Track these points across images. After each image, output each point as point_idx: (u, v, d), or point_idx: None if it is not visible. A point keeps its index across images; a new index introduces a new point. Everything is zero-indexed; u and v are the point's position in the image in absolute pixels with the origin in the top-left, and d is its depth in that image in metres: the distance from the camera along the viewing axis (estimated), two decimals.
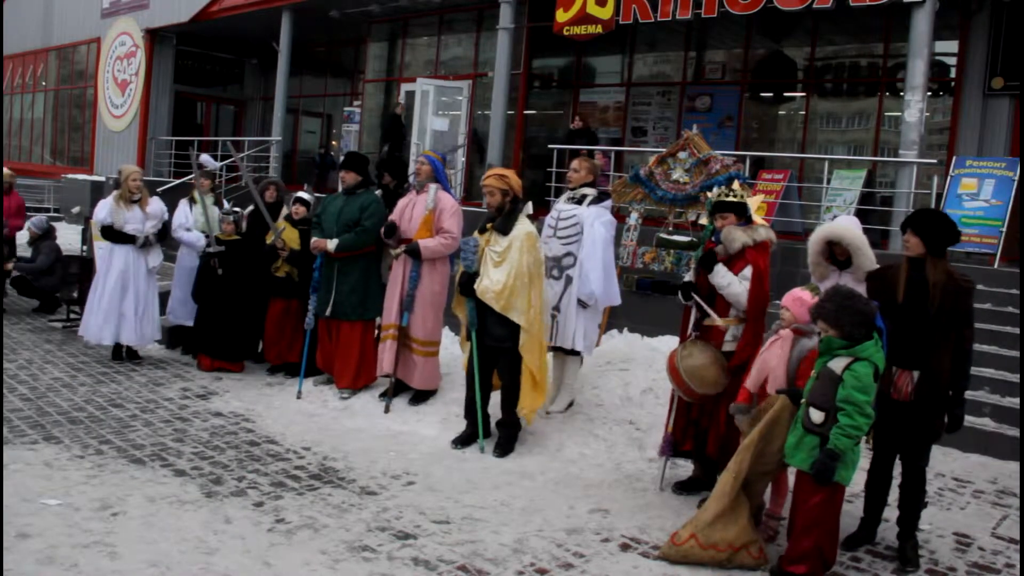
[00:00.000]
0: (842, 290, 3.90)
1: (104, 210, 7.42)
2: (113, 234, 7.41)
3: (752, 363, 4.45)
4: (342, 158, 7.19)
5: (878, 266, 4.40)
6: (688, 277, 4.99)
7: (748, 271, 4.67)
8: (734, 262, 4.73)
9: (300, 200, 7.43)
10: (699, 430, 4.96)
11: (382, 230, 6.48)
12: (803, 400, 3.91)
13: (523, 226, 5.59)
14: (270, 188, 8.12)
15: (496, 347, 5.59)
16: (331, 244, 6.54)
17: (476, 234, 5.67)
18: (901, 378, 4.13)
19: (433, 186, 6.38)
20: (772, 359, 4.27)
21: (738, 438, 4.48)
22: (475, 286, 5.49)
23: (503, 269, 5.46)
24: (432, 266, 6.41)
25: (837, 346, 3.80)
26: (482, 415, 5.70)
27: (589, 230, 5.98)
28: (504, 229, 5.53)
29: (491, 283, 5.44)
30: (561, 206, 6.25)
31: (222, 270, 7.32)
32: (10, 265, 9.58)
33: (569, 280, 6.03)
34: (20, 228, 10.09)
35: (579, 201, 6.15)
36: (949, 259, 4.27)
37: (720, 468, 4.77)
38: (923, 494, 4.32)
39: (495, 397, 5.81)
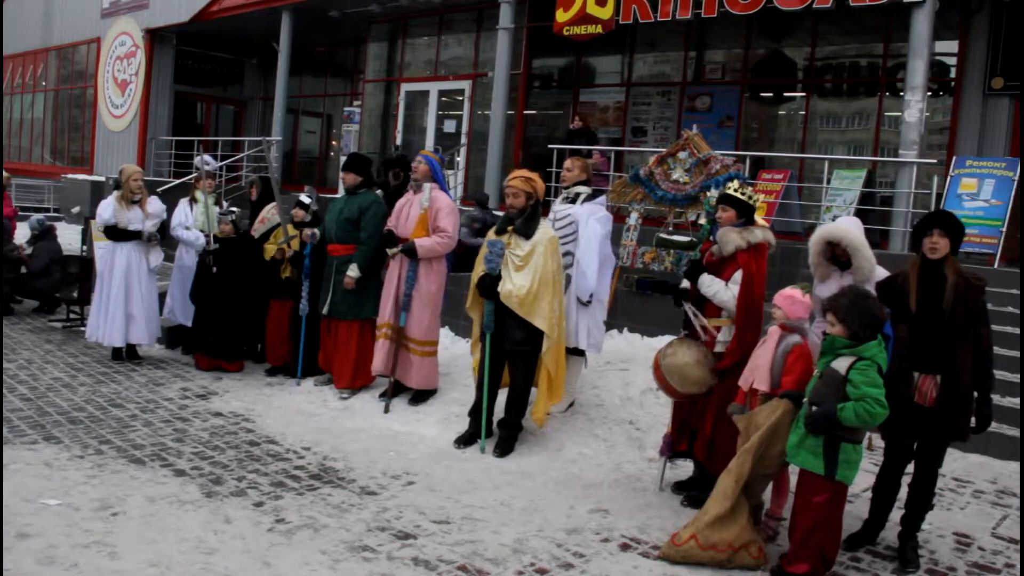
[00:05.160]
0: (859, 289, 3.92)
1: (108, 211, 7.43)
2: (117, 233, 7.42)
3: (744, 366, 4.44)
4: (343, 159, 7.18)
5: (876, 266, 4.40)
6: (683, 284, 4.98)
7: (738, 275, 4.64)
8: (727, 264, 4.71)
9: (299, 204, 7.44)
10: (691, 431, 4.95)
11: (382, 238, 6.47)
12: (805, 399, 3.91)
13: (545, 230, 5.56)
14: (252, 186, 8.03)
15: (513, 351, 5.56)
16: (353, 272, 6.53)
17: (492, 235, 5.63)
18: (925, 383, 4.11)
19: (428, 185, 6.38)
20: (759, 356, 4.28)
21: (726, 440, 4.48)
22: (499, 289, 5.45)
23: (526, 274, 5.42)
24: (428, 265, 6.40)
25: (840, 345, 3.80)
26: (487, 417, 5.70)
27: (584, 228, 5.96)
28: (527, 232, 5.49)
29: (515, 288, 5.40)
30: (556, 207, 6.23)
31: (216, 268, 7.33)
32: (26, 252, 9.65)
33: (568, 279, 6.02)
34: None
35: (573, 200, 6.14)
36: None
37: (707, 469, 4.77)
38: (931, 496, 4.32)
39: (498, 397, 5.81)
